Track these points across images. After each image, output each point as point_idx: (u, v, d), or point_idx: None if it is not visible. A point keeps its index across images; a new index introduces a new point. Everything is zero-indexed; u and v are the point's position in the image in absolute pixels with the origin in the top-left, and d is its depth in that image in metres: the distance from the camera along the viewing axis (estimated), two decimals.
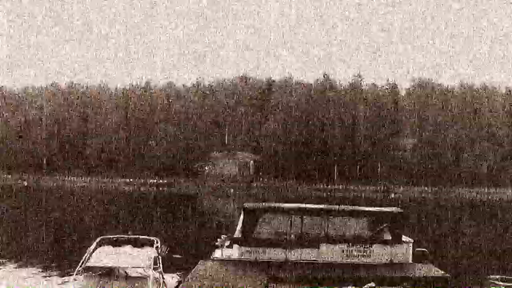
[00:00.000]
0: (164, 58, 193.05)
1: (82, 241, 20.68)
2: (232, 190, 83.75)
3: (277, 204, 17.79)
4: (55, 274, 16.70)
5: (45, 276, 16.37)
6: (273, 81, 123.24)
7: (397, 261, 15.51)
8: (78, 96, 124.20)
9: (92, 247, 11.75)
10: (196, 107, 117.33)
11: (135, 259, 11.33)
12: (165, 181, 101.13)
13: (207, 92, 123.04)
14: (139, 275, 11.50)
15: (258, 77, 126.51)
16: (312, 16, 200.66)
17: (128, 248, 11.85)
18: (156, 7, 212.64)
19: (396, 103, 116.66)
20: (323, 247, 15.55)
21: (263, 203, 18.62)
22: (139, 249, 11.85)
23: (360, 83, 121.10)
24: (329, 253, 15.52)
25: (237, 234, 15.89)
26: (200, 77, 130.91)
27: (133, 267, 11.48)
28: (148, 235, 12.87)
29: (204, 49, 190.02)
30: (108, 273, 11.29)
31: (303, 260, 15.33)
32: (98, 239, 12.08)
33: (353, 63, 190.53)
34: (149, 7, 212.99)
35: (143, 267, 11.35)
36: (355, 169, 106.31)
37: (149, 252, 11.73)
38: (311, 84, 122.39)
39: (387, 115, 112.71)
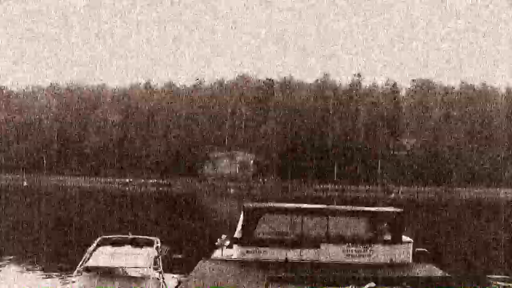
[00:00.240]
0: (164, 58, 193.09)
1: (82, 241, 20.69)
2: (232, 190, 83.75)
3: (277, 204, 17.78)
4: (55, 274, 16.69)
5: (45, 276, 16.37)
6: (273, 81, 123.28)
7: (397, 261, 15.51)
8: (78, 96, 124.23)
9: (92, 247, 11.75)
10: (196, 107, 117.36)
11: (135, 259, 11.33)
12: (165, 181, 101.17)
13: (207, 92, 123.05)
14: (139, 275, 11.49)
15: (258, 77, 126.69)
16: (312, 16, 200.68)
17: (128, 248, 11.84)
18: (156, 7, 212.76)
19: (396, 103, 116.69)
20: (323, 247, 15.55)
21: (263, 203, 18.61)
22: (139, 249, 11.85)
23: (360, 83, 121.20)
24: (329, 253, 15.51)
25: (237, 234, 15.88)
26: (200, 77, 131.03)
27: (133, 267, 11.47)
28: (148, 235, 12.87)
29: (204, 49, 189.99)
30: (108, 273, 11.28)
31: (303, 260, 15.32)
32: (98, 239, 12.08)
33: (353, 63, 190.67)
34: (149, 7, 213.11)
35: (143, 267, 11.35)
36: (355, 169, 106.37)
37: (149, 252, 11.73)
38: (311, 84, 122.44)
39: (387, 115, 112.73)
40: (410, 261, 15.65)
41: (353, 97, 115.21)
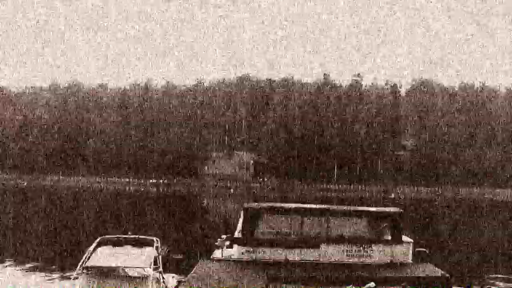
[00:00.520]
0: (164, 58, 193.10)
1: (82, 241, 20.69)
2: (232, 190, 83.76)
3: (277, 204, 17.77)
4: (55, 274, 16.69)
5: (45, 276, 16.36)
6: (273, 81, 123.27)
7: (397, 261, 15.50)
8: (78, 96, 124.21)
9: (92, 247, 11.75)
10: (196, 107, 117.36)
11: (135, 259, 11.33)
12: (165, 181, 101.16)
13: (207, 92, 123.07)
14: (139, 275, 11.49)
15: (258, 77, 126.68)
16: (312, 16, 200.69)
17: (128, 248, 11.84)
18: (156, 7, 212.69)
19: (396, 103, 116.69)
20: (323, 247, 15.54)
21: (263, 203, 18.60)
22: (139, 249, 11.84)
23: (360, 83, 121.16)
24: (329, 253, 15.50)
25: (237, 234, 15.87)
26: (200, 77, 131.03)
27: (133, 267, 11.47)
28: (148, 235, 12.87)
29: (204, 49, 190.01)
30: (108, 273, 11.28)
31: (303, 260, 15.31)
32: (98, 239, 12.08)
33: (353, 63, 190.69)
34: (149, 7, 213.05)
35: (143, 267, 11.35)
36: (355, 169, 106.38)
37: (149, 252, 11.72)
38: (311, 84, 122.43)
39: (387, 115, 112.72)
40: (410, 261, 15.64)
41: (353, 97, 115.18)
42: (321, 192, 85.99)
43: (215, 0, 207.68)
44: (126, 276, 11.45)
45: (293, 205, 17.12)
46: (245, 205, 16.39)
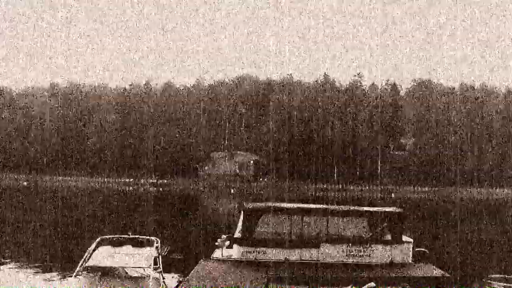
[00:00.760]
0: (164, 58, 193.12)
1: (82, 241, 20.70)
2: (232, 190, 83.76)
3: (277, 204, 17.78)
4: (55, 274, 16.69)
5: (45, 276, 16.36)
6: (273, 81, 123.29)
7: (397, 261, 15.51)
8: (78, 96, 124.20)
9: (92, 247, 11.76)
10: (196, 107, 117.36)
11: (135, 259, 11.34)
12: (165, 181, 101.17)
13: (207, 92, 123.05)
14: (139, 275, 11.50)
15: (258, 77, 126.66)
16: (312, 16, 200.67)
17: (128, 248, 11.86)
18: (156, 7, 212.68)
19: (396, 103, 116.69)
20: (323, 247, 15.55)
21: (263, 203, 18.61)
22: (139, 249, 11.86)
23: (360, 83, 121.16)
24: (329, 253, 15.51)
25: (237, 234, 15.88)
26: (200, 77, 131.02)
27: (133, 267, 11.48)
28: (148, 235, 12.88)
29: (204, 49, 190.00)
30: (108, 273, 11.28)
31: (303, 260, 15.32)
32: (98, 239, 12.09)
33: (353, 63, 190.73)
34: (149, 7, 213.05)
35: (143, 267, 11.35)
36: (355, 169, 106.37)
37: (149, 252, 11.74)
38: (311, 84, 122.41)
39: (387, 115, 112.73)
40: (410, 261, 15.65)
41: (353, 97, 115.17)
42: (321, 192, 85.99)
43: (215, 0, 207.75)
44: (126, 276, 11.46)
45: (293, 205, 17.14)
46: (245, 205, 16.41)
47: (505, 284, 16.78)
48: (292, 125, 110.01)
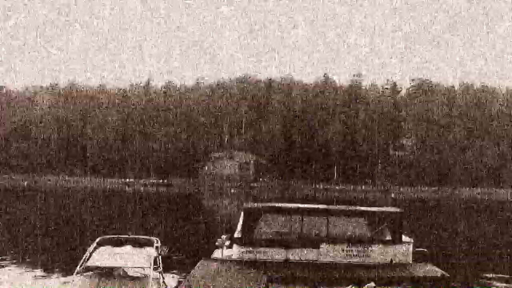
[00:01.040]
0: (164, 58, 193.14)
1: (82, 241, 20.70)
2: (232, 190, 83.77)
3: (277, 204, 17.80)
4: (55, 274, 16.69)
5: (45, 276, 16.36)
6: (273, 81, 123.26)
7: (397, 261, 15.51)
8: (78, 96, 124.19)
9: (92, 247, 11.75)
10: (196, 107, 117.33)
11: (135, 259, 11.33)
12: (165, 181, 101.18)
13: (207, 92, 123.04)
14: (139, 275, 11.49)
15: (258, 77, 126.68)
16: (312, 16, 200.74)
17: (128, 248, 11.85)
18: (156, 7, 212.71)
19: (396, 103, 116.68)
20: (323, 247, 15.56)
21: (263, 203, 18.62)
22: (139, 249, 11.85)
23: (360, 83, 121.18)
24: (329, 253, 15.52)
25: (237, 234, 15.89)
26: (200, 77, 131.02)
27: (133, 267, 11.47)
28: (148, 235, 12.88)
29: (204, 49, 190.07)
30: (108, 273, 11.28)
31: (303, 260, 15.32)
32: (98, 239, 12.08)
33: (353, 63, 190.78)
34: (149, 7, 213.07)
35: (143, 267, 11.35)
36: (355, 169, 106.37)
37: (149, 252, 11.73)
38: (311, 84, 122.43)
39: (387, 115, 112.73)
40: (410, 261, 15.65)
41: (353, 97, 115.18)
42: (321, 192, 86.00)
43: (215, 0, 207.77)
44: (126, 276, 11.45)
45: (293, 205, 17.15)
46: (245, 205, 16.43)
47: (505, 284, 16.78)
48: (292, 125, 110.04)
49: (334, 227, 15.91)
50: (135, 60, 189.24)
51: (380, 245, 15.62)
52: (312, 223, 15.97)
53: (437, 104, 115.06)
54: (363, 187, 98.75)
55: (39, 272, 17.06)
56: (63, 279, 15.60)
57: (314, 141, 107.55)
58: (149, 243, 12.19)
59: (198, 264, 14.52)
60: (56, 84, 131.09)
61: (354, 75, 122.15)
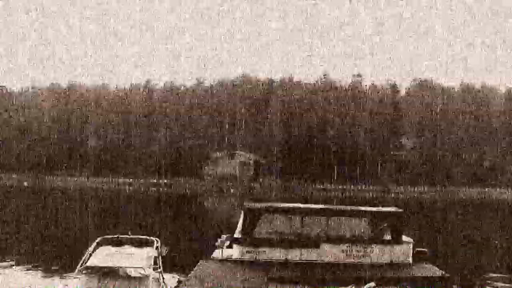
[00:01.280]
0: (164, 58, 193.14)
1: (82, 241, 20.68)
2: (232, 190, 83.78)
3: (277, 204, 17.76)
4: (55, 274, 16.69)
5: (45, 276, 16.36)
6: (274, 81, 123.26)
7: (397, 261, 15.50)
8: (78, 96, 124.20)
9: (92, 247, 11.75)
10: (196, 107, 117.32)
11: (135, 259, 11.32)
12: (166, 181, 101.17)
13: (207, 92, 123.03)
14: (139, 275, 11.48)
15: (258, 77, 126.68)
16: (312, 16, 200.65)
17: (128, 248, 11.84)
18: (156, 7, 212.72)
19: (396, 103, 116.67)
20: (323, 247, 15.54)
21: (263, 203, 18.60)
22: (139, 249, 11.84)
23: (360, 83, 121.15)
24: (329, 253, 15.50)
25: (237, 234, 15.87)
26: (200, 77, 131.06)
27: (133, 267, 11.46)
28: (148, 235, 12.87)
29: (204, 49, 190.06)
30: (108, 273, 11.27)
31: (303, 260, 15.31)
32: (98, 239, 12.08)
33: (353, 63, 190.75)
34: (149, 7, 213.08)
35: (143, 267, 11.34)
36: (355, 169, 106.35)
37: (149, 252, 11.72)
38: (311, 84, 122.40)
39: (387, 115, 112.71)
40: (410, 261, 15.64)
41: (353, 97, 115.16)
42: (321, 192, 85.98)
43: (215, 0, 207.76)
44: (126, 276, 11.44)
45: (293, 205, 17.13)
46: (245, 205, 16.39)
47: (505, 284, 16.78)
48: (293, 125, 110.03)
49: (334, 227, 15.88)
50: (135, 60, 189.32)
51: (380, 245, 15.60)
52: (312, 223, 15.93)
53: (437, 104, 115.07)
54: (363, 187, 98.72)
55: (39, 272, 17.06)
56: (63, 279, 15.61)
57: (314, 141, 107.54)
58: (149, 243, 12.18)
59: (198, 264, 14.51)
60: (56, 84, 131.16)
61: (354, 75, 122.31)
